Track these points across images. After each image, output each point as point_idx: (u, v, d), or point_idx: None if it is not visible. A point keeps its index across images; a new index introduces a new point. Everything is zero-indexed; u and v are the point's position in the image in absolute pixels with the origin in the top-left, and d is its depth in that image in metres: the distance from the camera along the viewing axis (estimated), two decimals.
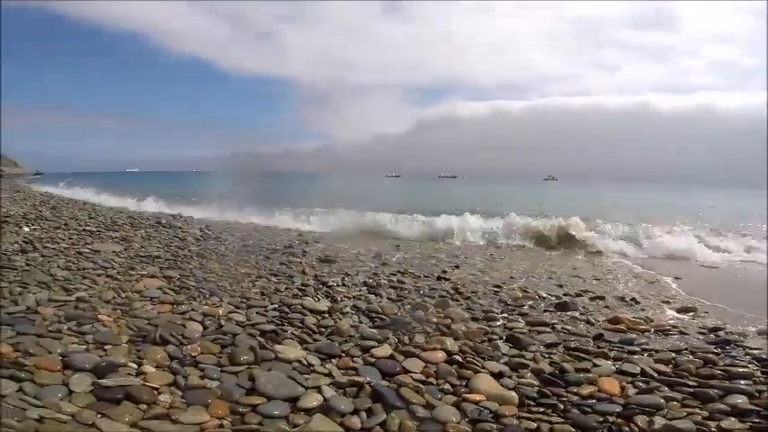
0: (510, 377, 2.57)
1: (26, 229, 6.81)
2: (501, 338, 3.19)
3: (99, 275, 4.28)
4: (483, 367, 2.63)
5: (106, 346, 2.61)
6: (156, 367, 2.40)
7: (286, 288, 4.41)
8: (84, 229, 7.31)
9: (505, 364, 2.73)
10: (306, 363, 2.64)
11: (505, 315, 3.83)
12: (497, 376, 2.55)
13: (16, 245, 5.43)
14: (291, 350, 2.78)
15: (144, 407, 2.03)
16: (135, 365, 2.40)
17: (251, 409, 2.11)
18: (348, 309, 3.83)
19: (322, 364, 2.64)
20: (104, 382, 2.15)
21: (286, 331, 3.14)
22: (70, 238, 6.36)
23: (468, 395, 2.32)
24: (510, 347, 3.02)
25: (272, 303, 3.80)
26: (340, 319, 3.47)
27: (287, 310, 3.62)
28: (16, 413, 1.84)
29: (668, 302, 4.69)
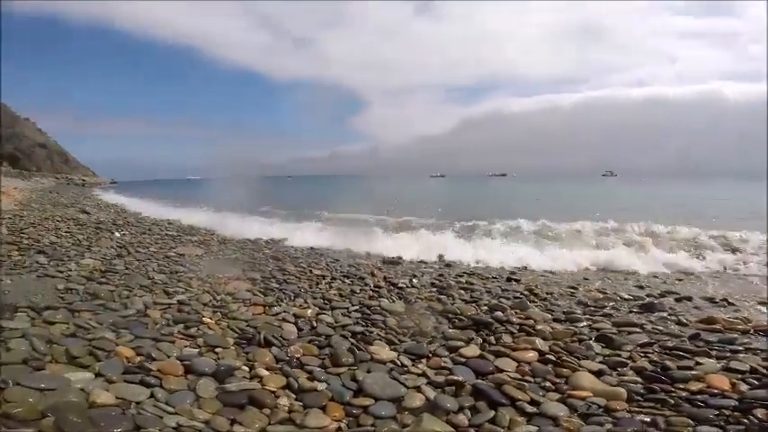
0: (611, 375, 2.55)
1: (117, 234, 7.43)
2: (590, 339, 3.14)
3: (191, 278, 4.61)
4: (580, 365, 2.62)
5: (216, 349, 2.79)
6: (268, 370, 2.53)
7: (360, 290, 4.55)
8: (166, 234, 7.88)
9: (602, 362, 2.71)
10: (399, 363, 2.72)
11: (588, 316, 3.75)
12: (597, 374, 2.54)
13: (112, 249, 5.95)
14: (383, 351, 2.88)
15: (267, 411, 2.14)
16: (247, 368, 2.55)
17: (363, 410, 2.20)
18: (423, 310, 3.89)
19: (414, 365, 2.71)
20: (228, 386, 2.28)
21: (372, 332, 3.26)
22: (156, 243, 6.89)
23: (572, 392, 2.33)
24: (603, 347, 2.98)
25: (353, 305, 3.93)
26: (419, 321, 3.53)
27: (368, 311, 3.75)
28: (155, 421, 1.93)
29: (766, 304, 4.38)
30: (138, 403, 2.07)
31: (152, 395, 2.16)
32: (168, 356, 2.60)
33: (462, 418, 2.13)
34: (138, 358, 2.54)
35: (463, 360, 2.76)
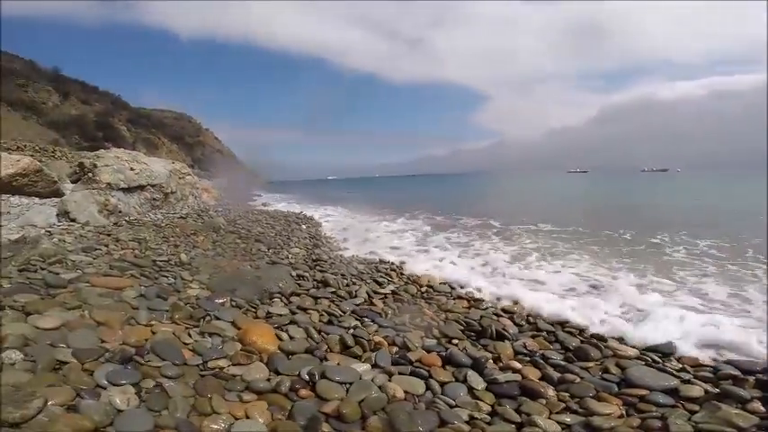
0: None
1: (303, 226, 8.33)
2: None
3: (392, 271, 4.90)
4: None
5: (453, 341, 2.90)
6: (518, 362, 2.56)
7: None
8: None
9: None
10: (650, 359, 2.60)
11: None
12: None
13: (306, 239, 6.65)
14: (627, 348, 2.78)
15: (543, 401, 2.15)
16: (492, 359, 2.61)
17: (639, 399, 2.17)
18: None
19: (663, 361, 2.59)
20: (498, 378, 2.33)
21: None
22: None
23: None
24: None
25: None
26: None
27: None
28: (454, 415, 2.00)
29: None
30: (419, 396, 2.18)
31: (428, 387, 2.26)
32: (417, 347, 2.72)
33: (757, 405, 2.00)
34: (393, 348, 2.71)
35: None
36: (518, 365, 2.48)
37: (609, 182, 42.02)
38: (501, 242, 7.19)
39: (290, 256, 5.43)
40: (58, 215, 5.94)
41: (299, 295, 3.70)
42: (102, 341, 2.17)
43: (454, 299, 3.93)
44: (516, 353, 2.71)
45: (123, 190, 6.78)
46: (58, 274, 3.30)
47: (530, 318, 3.37)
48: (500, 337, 2.90)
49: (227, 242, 5.74)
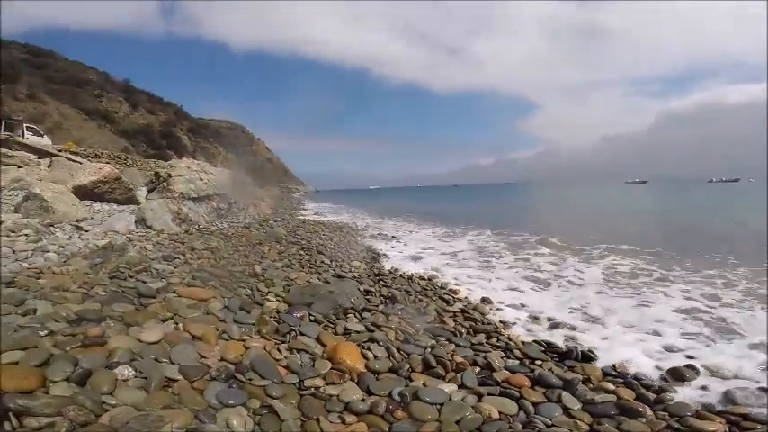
0: None
1: (357, 238, 8.39)
2: None
3: (456, 285, 4.84)
4: None
5: (536, 361, 2.82)
6: (611, 383, 2.51)
7: None
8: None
9: None
10: None
11: None
12: None
13: (363, 252, 6.67)
14: None
15: (642, 420, 2.13)
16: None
17: (742, 418, 2.14)
18: None
19: None
20: (593, 398, 2.30)
21: None
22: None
23: None
24: None
25: None
26: None
27: None
28: None
29: None
30: (512, 416, 2.13)
31: (521, 407, 2.21)
32: (500, 367, 2.67)
33: None
34: (475, 368, 2.66)
35: None
36: (611, 386, 2.43)
37: (675, 194, 38.41)
38: (579, 263, 6.67)
39: (352, 269, 5.46)
40: (136, 222, 6.29)
41: (369, 311, 3.70)
42: (202, 356, 2.21)
43: (530, 319, 3.87)
44: (605, 374, 2.66)
45: (193, 199, 7.09)
46: (145, 282, 3.46)
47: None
48: (586, 358, 2.85)
49: (292, 253, 5.85)
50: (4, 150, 10.74)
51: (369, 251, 7.13)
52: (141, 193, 9.20)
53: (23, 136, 18.40)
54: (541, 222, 13.63)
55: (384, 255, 7.00)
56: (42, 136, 19.89)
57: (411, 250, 7.75)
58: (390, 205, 28.19)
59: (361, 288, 4.27)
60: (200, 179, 7.38)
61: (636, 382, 2.52)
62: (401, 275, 5.30)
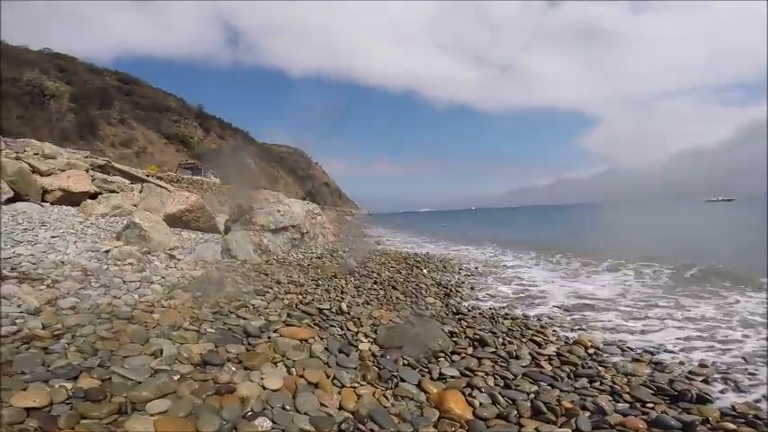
0: None
1: (425, 270, 8.32)
2: None
3: (544, 326, 4.68)
4: None
5: (648, 404, 2.80)
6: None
7: None
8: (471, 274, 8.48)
9: None
10: None
11: None
12: None
13: (434, 287, 6.60)
14: None
15: None
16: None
17: None
18: None
19: None
20: None
21: None
22: (468, 283, 7.41)
23: None
24: None
25: None
26: None
27: None
28: None
29: None
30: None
31: None
32: (611, 411, 2.62)
33: None
34: (586, 413, 2.62)
35: None
36: (732, 426, 2.39)
37: None
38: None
39: (428, 306, 5.43)
40: (221, 252, 6.67)
41: (459, 354, 3.68)
42: (322, 404, 2.28)
43: (631, 361, 3.67)
44: (723, 414, 2.58)
45: (272, 231, 7.42)
46: (247, 319, 3.64)
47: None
48: (702, 400, 2.76)
49: (368, 288, 5.92)
50: (104, 176, 11.80)
51: (438, 285, 7.03)
52: (220, 219, 9.78)
53: (209, 177, 29.37)
54: (686, 246, 12.20)
55: (457, 288, 6.85)
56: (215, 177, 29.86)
57: (486, 279, 7.63)
58: (458, 231, 27.66)
59: (446, 329, 4.24)
60: (278, 211, 7.72)
61: (759, 421, 2.44)
62: (481, 314, 5.19)
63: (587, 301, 6.27)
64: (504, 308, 5.74)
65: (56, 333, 2.65)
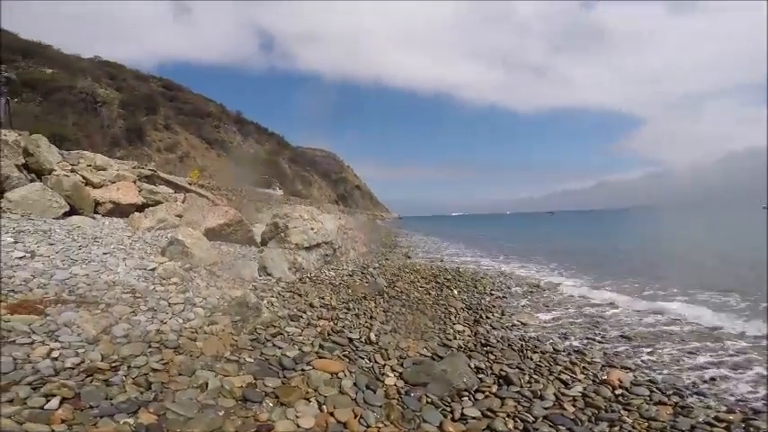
0: None
1: (455, 291, 8.38)
2: None
3: (574, 364, 4.69)
4: None
5: None
6: None
7: None
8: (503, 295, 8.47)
9: None
10: None
11: None
12: None
13: (464, 311, 6.66)
14: None
15: None
16: None
17: None
18: None
19: None
20: None
21: None
22: (500, 308, 7.41)
23: None
24: None
25: None
26: None
27: None
28: None
29: None
30: None
31: None
32: None
33: None
34: None
35: None
36: None
37: None
38: None
39: (456, 335, 5.53)
40: (258, 269, 7.01)
41: (483, 392, 3.79)
42: None
43: (655, 404, 3.66)
44: None
45: (305, 248, 7.72)
46: (282, 348, 3.89)
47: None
48: None
49: (396, 312, 6.09)
50: (150, 186, 12.46)
51: (469, 309, 7.07)
52: (257, 230, 10.20)
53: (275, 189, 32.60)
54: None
55: (487, 311, 6.88)
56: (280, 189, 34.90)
57: (519, 300, 7.63)
58: (492, 237, 26.88)
59: (472, 364, 4.35)
60: (312, 228, 8.02)
61: None
62: (510, 346, 5.24)
63: (639, 330, 6.22)
64: (534, 338, 5.75)
65: (113, 364, 2.96)
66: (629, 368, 4.69)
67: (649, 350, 5.33)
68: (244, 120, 65.42)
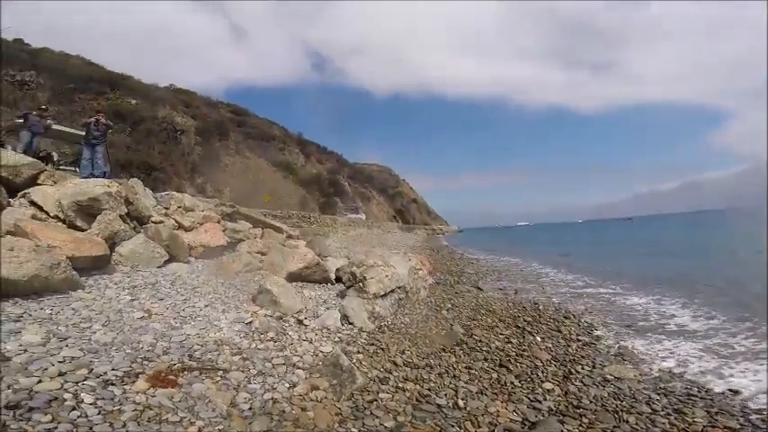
0: None
1: (538, 338, 8.21)
2: None
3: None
4: None
5: None
6: None
7: None
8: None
9: None
10: None
11: None
12: None
13: (553, 365, 6.57)
14: None
15: None
16: None
17: None
18: None
19: None
20: None
21: None
22: (588, 359, 7.23)
23: None
24: None
25: None
26: None
27: None
28: None
29: None
30: None
31: None
32: None
33: None
34: None
35: None
36: None
37: None
38: None
39: (546, 395, 5.47)
40: (340, 319, 7.42)
41: None
42: None
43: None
44: None
45: (381, 296, 8.05)
46: (379, 418, 4.17)
47: None
48: None
49: (478, 369, 6.18)
50: (232, 225, 13.39)
51: (555, 360, 6.85)
52: (330, 264, 10.73)
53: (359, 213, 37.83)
54: None
55: (575, 360, 6.76)
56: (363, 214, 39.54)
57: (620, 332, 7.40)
58: (576, 253, 25.83)
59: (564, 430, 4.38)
60: (386, 276, 8.34)
61: None
62: (604, 406, 5.14)
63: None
64: (629, 396, 5.55)
65: None
66: (733, 429, 4.46)
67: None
68: (305, 141, 68.35)
